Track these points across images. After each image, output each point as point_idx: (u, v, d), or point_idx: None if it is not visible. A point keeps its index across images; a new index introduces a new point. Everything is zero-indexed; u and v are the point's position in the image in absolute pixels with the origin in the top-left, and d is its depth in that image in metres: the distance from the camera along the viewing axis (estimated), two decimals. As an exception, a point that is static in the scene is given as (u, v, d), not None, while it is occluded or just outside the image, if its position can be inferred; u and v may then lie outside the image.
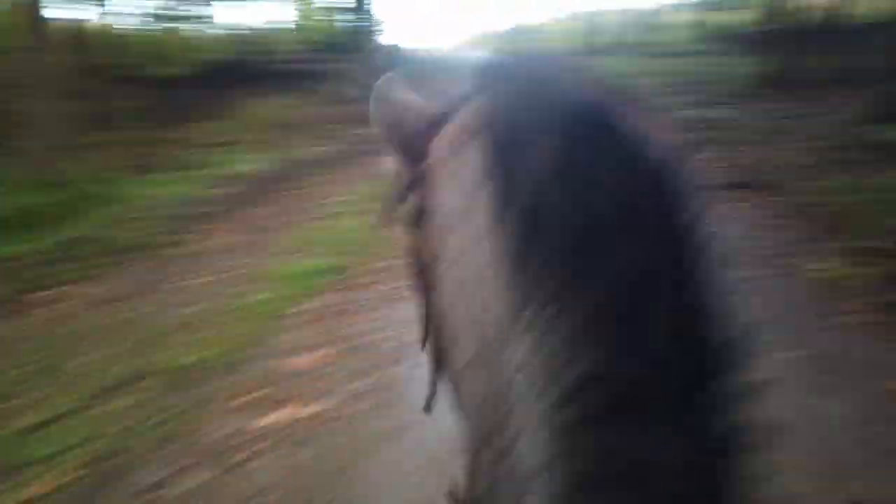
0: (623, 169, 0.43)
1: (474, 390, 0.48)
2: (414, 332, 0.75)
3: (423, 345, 0.74)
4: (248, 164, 7.57)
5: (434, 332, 0.69)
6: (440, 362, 0.69)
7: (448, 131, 0.57)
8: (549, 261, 0.41)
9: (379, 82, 0.76)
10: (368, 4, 13.59)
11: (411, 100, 0.71)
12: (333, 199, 5.90)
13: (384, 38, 14.65)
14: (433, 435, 2.26)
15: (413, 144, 0.64)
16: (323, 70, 12.31)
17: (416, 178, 0.64)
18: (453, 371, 0.59)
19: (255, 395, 2.71)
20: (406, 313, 2.95)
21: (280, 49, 13.72)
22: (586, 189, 0.42)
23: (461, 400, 0.54)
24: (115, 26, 11.50)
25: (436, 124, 0.61)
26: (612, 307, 0.39)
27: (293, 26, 15.19)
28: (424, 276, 0.66)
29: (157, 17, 11.93)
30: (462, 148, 0.53)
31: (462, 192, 0.51)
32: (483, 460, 0.48)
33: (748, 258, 3.80)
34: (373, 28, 13.84)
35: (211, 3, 13.08)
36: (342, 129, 9.31)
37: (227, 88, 10.43)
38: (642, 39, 19.57)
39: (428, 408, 0.78)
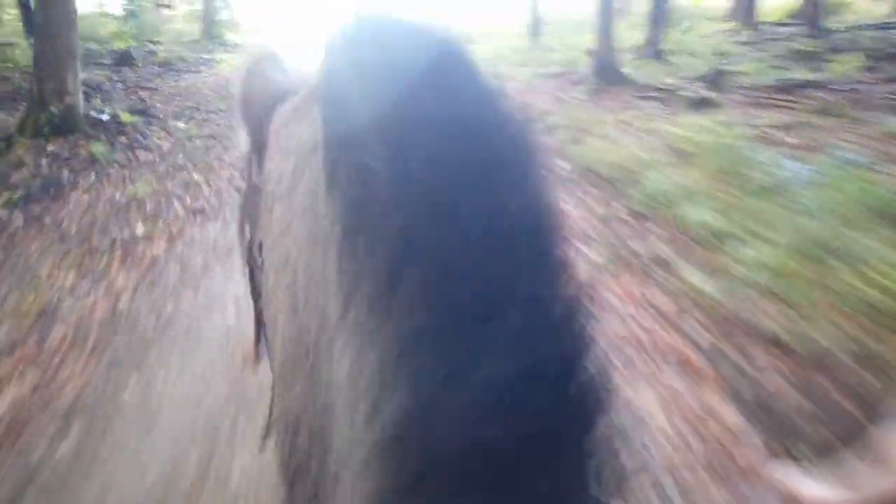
0: (471, 147, 0.35)
1: (289, 405, 0.39)
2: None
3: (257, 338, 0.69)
4: None
5: (258, 310, 0.61)
6: (261, 336, 0.62)
7: (289, 103, 0.53)
8: (379, 249, 0.32)
9: (248, 61, 0.77)
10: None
11: (271, 79, 0.68)
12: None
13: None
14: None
15: (258, 120, 0.58)
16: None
17: (256, 152, 0.58)
18: (272, 363, 0.50)
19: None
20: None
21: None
22: (428, 167, 0.33)
23: (275, 410, 0.44)
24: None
25: (280, 99, 0.55)
26: (443, 320, 0.30)
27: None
28: (252, 255, 0.59)
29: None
30: (299, 115, 0.47)
31: (293, 158, 0.43)
32: (298, 495, 0.39)
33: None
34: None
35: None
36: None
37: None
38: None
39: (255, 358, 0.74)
